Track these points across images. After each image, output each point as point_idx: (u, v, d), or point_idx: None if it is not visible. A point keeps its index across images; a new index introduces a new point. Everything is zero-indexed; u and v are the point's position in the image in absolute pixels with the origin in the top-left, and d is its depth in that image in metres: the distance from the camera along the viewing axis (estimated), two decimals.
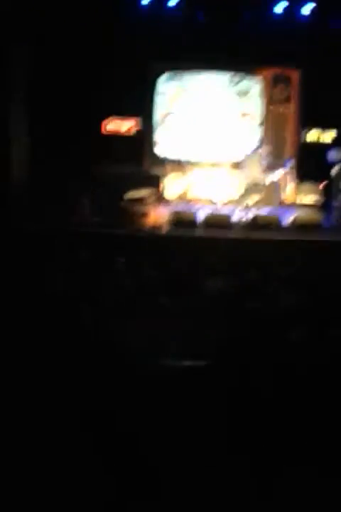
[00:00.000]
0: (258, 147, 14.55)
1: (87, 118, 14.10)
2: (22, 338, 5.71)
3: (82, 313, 6.57)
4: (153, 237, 11.85)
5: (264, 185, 14.09)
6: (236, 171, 14.87)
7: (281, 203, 14.39)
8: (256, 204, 13.79)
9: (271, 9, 13.66)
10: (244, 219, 12.92)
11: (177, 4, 13.51)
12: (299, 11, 13.69)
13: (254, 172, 14.18)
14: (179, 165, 14.61)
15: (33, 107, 13.35)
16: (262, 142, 14.87)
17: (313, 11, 13.55)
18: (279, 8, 13.63)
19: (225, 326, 6.58)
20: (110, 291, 7.72)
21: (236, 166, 14.94)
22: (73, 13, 12.95)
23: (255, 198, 13.82)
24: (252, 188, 13.99)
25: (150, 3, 13.58)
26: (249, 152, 15.14)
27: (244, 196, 13.61)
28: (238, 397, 5.05)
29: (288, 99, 15.46)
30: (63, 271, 8.41)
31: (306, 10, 13.60)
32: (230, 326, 6.72)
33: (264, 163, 14.35)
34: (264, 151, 14.47)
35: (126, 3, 13.39)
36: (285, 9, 13.64)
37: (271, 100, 15.44)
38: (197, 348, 5.93)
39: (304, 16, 13.71)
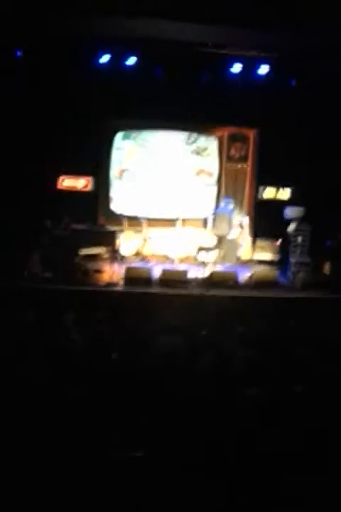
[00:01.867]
0: (226, 204, 14.47)
1: (42, 174, 13.95)
2: None
3: (35, 372, 6.37)
4: (107, 294, 11.66)
5: (227, 241, 14.08)
6: (193, 228, 14.94)
7: (238, 260, 14.43)
8: (213, 261, 13.83)
9: (229, 69, 13.72)
10: (200, 276, 12.77)
11: (136, 62, 13.47)
12: (255, 71, 13.79)
13: (222, 229, 14.13)
14: (135, 221, 14.48)
15: None
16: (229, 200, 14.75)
17: (269, 71, 13.67)
18: (236, 68, 13.69)
19: (178, 384, 6.42)
20: (61, 350, 7.51)
21: (194, 222, 15.04)
22: (32, 68, 12.91)
23: (211, 254, 13.80)
24: (214, 245, 14.04)
25: (108, 61, 13.48)
26: (208, 210, 15.21)
27: (200, 253, 13.46)
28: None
29: (244, 157, 15.58)
30: (12, 330, 8.18)
31: (262, 70, 13.71)
32: (183, 383, 6.56)
33: (232, 220, 14.36)
34: (232, 208, 14.46)
35: (84, 60, 13.28)
36: (242, 69, 13.69)
37: (227, 158, 15.54)
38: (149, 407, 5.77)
39: (260, 76, 13.81)
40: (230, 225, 14.18)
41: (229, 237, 14.15)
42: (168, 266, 13.63)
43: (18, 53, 12.71)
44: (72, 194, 14.58)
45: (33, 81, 13.23)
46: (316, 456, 5.13)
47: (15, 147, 13.60)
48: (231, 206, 14.42)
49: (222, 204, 14.69)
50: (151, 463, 4.96)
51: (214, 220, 14.47)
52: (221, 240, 14.05)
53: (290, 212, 14.58)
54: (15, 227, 12.68)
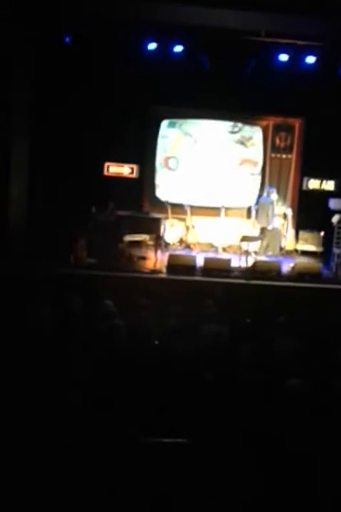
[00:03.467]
0: (268, 194, 14.52)
1: (89, 160, 14.14)
2: (18, 384, 5.66)
3: (77, 357, 6.50)
4: (151, 281, 11.74)
5: (269, 231, 14.13)
6: (237, 217, 14.97)
7: (281, 251, 14.41)
8: (257, 250, 13.89)
9: (275, 58, 13.59)
10: (243, 265, 12.80)
11: (183, 50, 13.45)
12: (302, 60, 13.63)
13: (263, 219, 14.17)
14: (179, 209, 14.56)
15: (33, 147, 13.31)
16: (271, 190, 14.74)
17: (316, 60, 13.50)
18: (283, 57, 13.56)
19: (220, 371, 6.49)
20: (104, 336, 7.64)
21: (237, 211, 15.06)
22: (78, 56, 13.02)
23: (255, 244, 13.84)
24: (258, 234, 14.12)
25: (156, 49, 13.48)
26: (252, 199, 15.23)
27: (244, 242, 13.46)
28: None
29: (289, 148, 15.50)
30: (57, 315, 8.34)
31: (309, 59, 13.55)
32: (225, 371, 6.62)
33: (274, 210, 14.37)
34: (275, 197, 14.46)
35: (131, 48, 13.32)
36: (289, 58, 13.54)
37: (272, 148, 15.49)
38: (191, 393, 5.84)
39: (307, 66, 13.64)
40: (271, 215, 14.19)
41: (270, 227, 14.15)
42: (211, 254, 13.71)
43: (67, 39, 12.81)
44: (118, 181, 14.71)
45: (80, 67, 13.35)
46: None
47: (63, 133, 13.79)
48: (273, 196, 14.40)
49: (265, 194, 14.70)
50: (192, 449, 5.04)
51: (257, 210, 14.48)
52: (263, 230, 14.08)
53: (334, 203, 14.50)
54: (63, 213, 12.89)
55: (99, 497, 4.65)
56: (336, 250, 13.81)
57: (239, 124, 15.49)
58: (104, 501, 4.66)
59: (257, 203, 14.72)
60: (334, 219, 14.16)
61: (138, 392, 5.80)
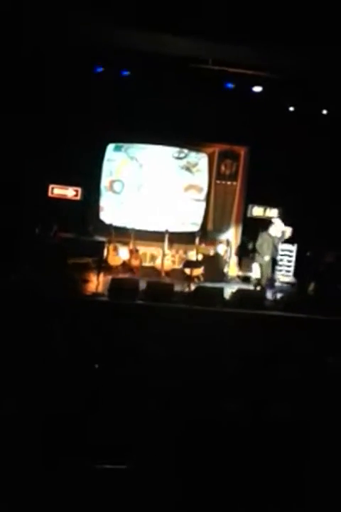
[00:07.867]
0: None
1: (33, 181, 13.99)
2: None
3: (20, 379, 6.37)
4: (93, 303, 11.65)
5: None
6: (181, 242, 15.04)
7: (224, 276, 14.51)
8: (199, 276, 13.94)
9: (222, 86, 13.74)
10: (186, 290, 12.81)
11: (130, 75, 13.47)
12: (249, 89, 13.83)
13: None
14: (123, 232, 14.53)
15: None
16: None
17: (263, 89, 13.71)
18: (230, 86, 13.73)
19: (163, 396, 6.44)
20: (45, 358, 7.51)
21: (182, 237, 15.13)
22: (27, 76, 12.90)
23: (198, 269, 13.90)
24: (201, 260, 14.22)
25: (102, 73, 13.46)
26: (196, 225, 15.34)
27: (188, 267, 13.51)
28: None
29: (234, 175, 15.68)
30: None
31: (256, 88, 13.75)
32: (168, 395, 6.58)
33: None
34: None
35: (78, 72, 13.26)
36: (236, 87, 13.73)
37: (217, 175, 15.64)
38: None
39: (253, 95, 13.84)
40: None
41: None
42: (154, 279, 13.69)
43: None
44: (62, 203, 14.61)
45: (24, 89, 13.21)
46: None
47: (7, 154, 13.61)
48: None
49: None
50: (136, 475, 4.97)
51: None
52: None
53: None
54: (6, 234, 12.69)
55: None
56: (278, 278, 13.98)
57: (185, 150, 15.63)
58: None
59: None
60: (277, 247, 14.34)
61: (75, 416, 5.70)
